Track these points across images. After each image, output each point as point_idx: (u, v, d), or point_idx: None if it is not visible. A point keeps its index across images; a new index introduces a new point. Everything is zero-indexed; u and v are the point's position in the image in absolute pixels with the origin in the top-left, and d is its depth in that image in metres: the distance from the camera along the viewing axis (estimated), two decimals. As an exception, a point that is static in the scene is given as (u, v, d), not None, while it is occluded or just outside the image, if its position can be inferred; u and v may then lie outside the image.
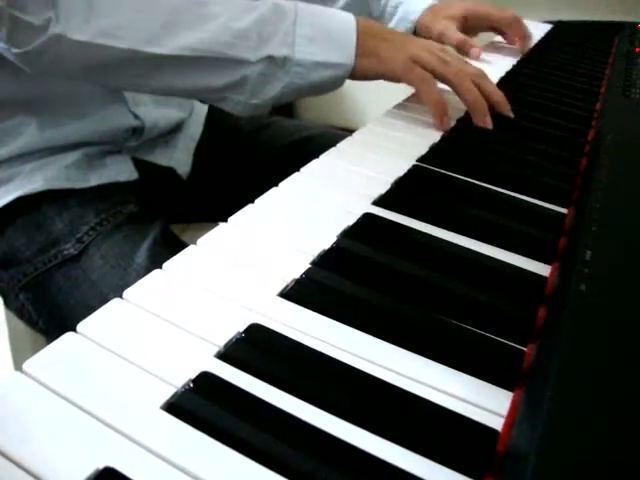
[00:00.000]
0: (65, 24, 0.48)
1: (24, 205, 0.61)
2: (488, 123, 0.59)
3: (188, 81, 0.55)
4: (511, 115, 0.62)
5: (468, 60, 0.74)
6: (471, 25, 0.90)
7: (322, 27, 0.56)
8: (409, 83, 0.59)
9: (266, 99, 0.56)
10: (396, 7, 0.87)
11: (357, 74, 0.58)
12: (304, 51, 0.55)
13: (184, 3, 0.53)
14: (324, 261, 0.37)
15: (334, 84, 0.58)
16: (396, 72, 0.58)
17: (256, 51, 0.53)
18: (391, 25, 0.88)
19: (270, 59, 0.54)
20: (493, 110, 0.60)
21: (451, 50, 0.84)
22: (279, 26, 0.54)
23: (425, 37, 0.86)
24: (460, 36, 0.84)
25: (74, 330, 0.29)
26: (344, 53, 0.56)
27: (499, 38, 0.99)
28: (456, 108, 0.62)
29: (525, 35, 0.93)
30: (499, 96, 0.61)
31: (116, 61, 0.52)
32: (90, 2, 0.49)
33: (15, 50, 0.50)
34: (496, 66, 0.84)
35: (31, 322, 0.64)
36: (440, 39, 0.85)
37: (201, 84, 0.55)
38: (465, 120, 0.61)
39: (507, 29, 0.93)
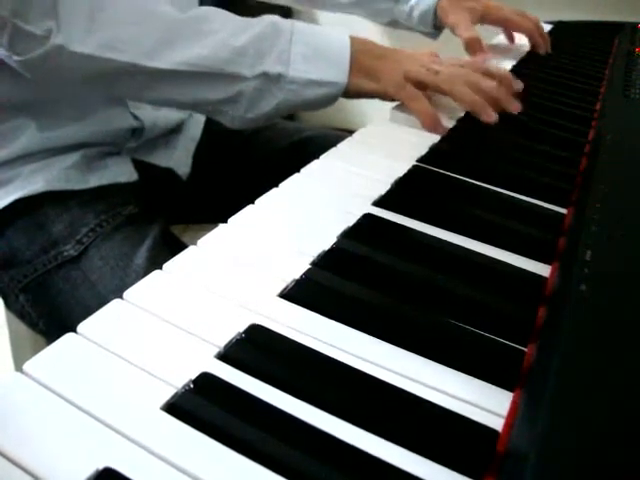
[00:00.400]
0: (66, 35, 0.49)
1: (24, 206, 0.61)
2: (493, 116, 0.59)
3: (185, 94, 0.56)
4: (513, 111, 0.61)
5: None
6: (487, 23, 0.89)
7: (317, 46, 0.57)
8: (400, 101, 0.61)
9: (261, 114, 0.57)
10: None
11: (351, 92, 0.59)
12: (298, 69, 0.56)
13: (183, 18, 0.54)
14: (324, 262, 0.37)
15: (327, 101, 0.59)
16: (387, 92, 0.60)
17: (252, 67, 0.54)
18: (411, 3, 0.87)
19: (265, 76, 0.55)
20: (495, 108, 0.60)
21: (455, 46, 0.83)
22: (275, 44, 0.55)
23: (442, 20, 0.85)
24: (471, 35, 0.83)
25: (74, 331, 0.29)
26: (338, 72, 0.57)
27: (500, 39, 0.99)
28: (456, 108, 0.62)
29: (544, 40, 0.92)
30: (496, 93, 0.60)
31: (115, 73, 0.52)
32: (91, 14, 0.50)
33: (16, 58, 0.51)
34: (496, 66, 0.84)
35: (31, 323, 0.64)
36: (452, 30, 0.85)
37: (198, 98, 0.56)
38: (465, 120, 0.61)
39: (527, 36, 0.93)
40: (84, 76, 0.53)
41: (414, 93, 0.59)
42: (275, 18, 0.57)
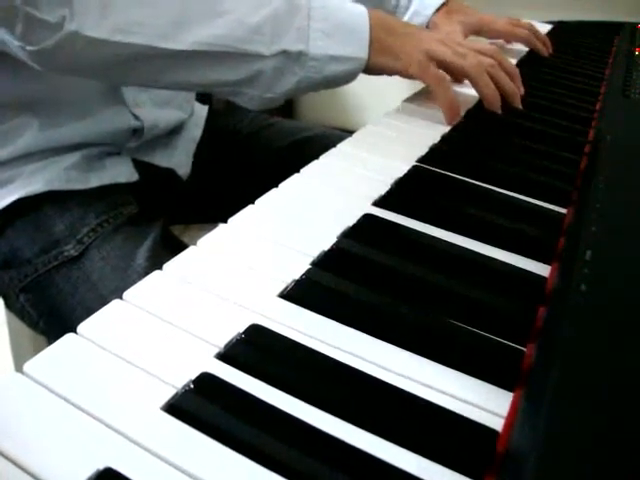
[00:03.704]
0: (80, 21, 0.48)
1: (25, 206, 0.61)
2: (499, 110, 0.61)
3: (203, 76, 0.54)
4: (520, 107, 0.63)
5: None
6: (482, 36, 0.90)
7: (335, 21, 0.56)
8: (424, 82, 0.60)
9: (280, 93, 0.56)
10: (410, 0, 0.87)
11: (372, 69, 0.58)
12: (319, 46, 0.55)
13: None
14: (324, 262, 0.37)
15: (348, 78, 0.58)
16: (410, 71, 0.58)
17: (270, 46, 0.53)
18: (405, 19, 0.87)
19: (285, 54, 0.54)
20: (502, 101, 0.62)
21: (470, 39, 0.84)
22: (293, 21, 0.54)
23: None
24: None
25: (74, 331, 0.29)
26: (358, 47, 0.56)
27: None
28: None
29: (543, 42, 0.93)
30: (510, 87, 0.62)
31: (132, 57, 0.51)
32: None
33: (30, 48, 0.49)
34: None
35: (32, 323, 0.64)
36: None
37: (216, 79, 0.55)
38: (465, 121, 0.61)
39: (525, 44, 0.93)
40: (99, 62, 0.52)
41: (440, 75, 0.58)
42: None
